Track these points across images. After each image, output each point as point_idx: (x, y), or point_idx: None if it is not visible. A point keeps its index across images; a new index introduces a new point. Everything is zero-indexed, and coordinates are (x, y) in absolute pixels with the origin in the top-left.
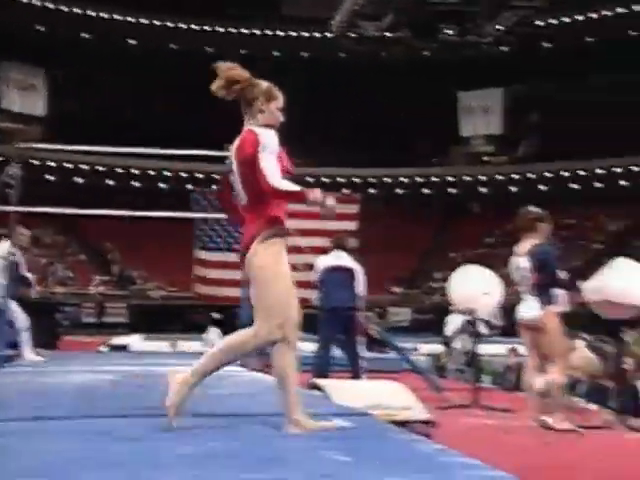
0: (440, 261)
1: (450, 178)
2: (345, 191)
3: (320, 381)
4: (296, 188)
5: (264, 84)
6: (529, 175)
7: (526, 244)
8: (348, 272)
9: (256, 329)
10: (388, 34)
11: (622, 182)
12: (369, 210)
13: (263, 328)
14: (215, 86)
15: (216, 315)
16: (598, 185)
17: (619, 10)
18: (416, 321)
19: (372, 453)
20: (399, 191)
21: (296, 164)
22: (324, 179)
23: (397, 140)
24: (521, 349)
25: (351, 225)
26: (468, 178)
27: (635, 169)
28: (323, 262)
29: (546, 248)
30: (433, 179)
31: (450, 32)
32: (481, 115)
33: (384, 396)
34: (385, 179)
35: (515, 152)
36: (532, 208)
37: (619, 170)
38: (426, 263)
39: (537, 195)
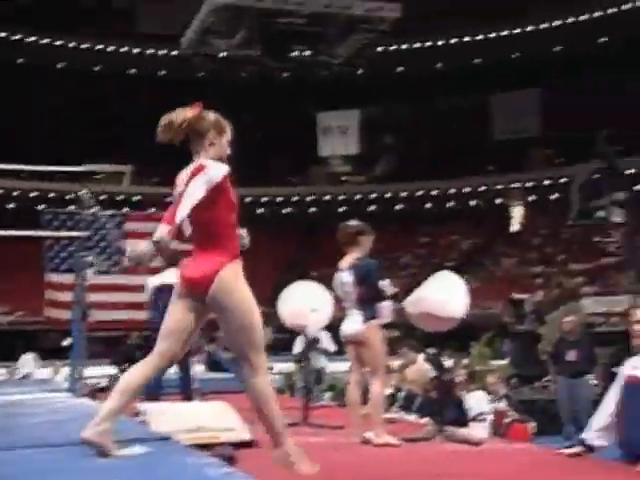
0: (300, 280)
1: (310, 197)
2: None
3: (143, 406)
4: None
5: (212, 115)
6: (386, 195)
7: (348, 258)
8: None
9: (255, 362)
10: (240, 52)
11: (473, 202)
12: None
13: (259, 358)
14: (163, 136)
15: (66, 341)
16: (450, 204)
17: (466, 39)
18: (278, 340)
19: (158, 479)
20: (260, 210)
21: (160, 183)
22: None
23: (256, 159)
24: None
25: None
26: (327, 197)
27: (483, 188)
28: (153, 281)
29: (368, 261)
30: (294, 198)
31: (302, 52)
32: (339, 136)
33: (208, 418)
34: (246, 199)
35: (372, 172)
36: (353, 222)
37: (469, 190)
38: (286, 282)
39: (393, 214)
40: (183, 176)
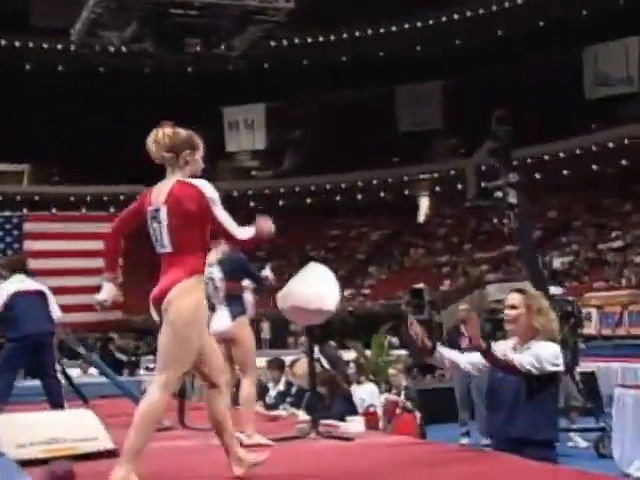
0: None
1: (218, 193)
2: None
3: None
4: (253, 230)
5: (183, 133)
6: (295, 189)
7: (214, 253)
8: (39, 295)
9: (164, 380)
10: (134, 46)
11: (381, 193)
12: None
13: (174, 375)
14: (159, 158)
15: None
16: (360, 197)
17: (370, 31)
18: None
19: None
20: None
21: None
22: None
23: None
24: None
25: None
26: (236, 193)
27: (390, 180)
28: (6, 289)
29: (235, 255)
30: None
31: (197, 45)
32: (245, 130)
33: (65, 428)
34: None
35: (280, 166)
36: None
37: (377, 182)
38: None
39: (303, 208)
40: (158, 195)
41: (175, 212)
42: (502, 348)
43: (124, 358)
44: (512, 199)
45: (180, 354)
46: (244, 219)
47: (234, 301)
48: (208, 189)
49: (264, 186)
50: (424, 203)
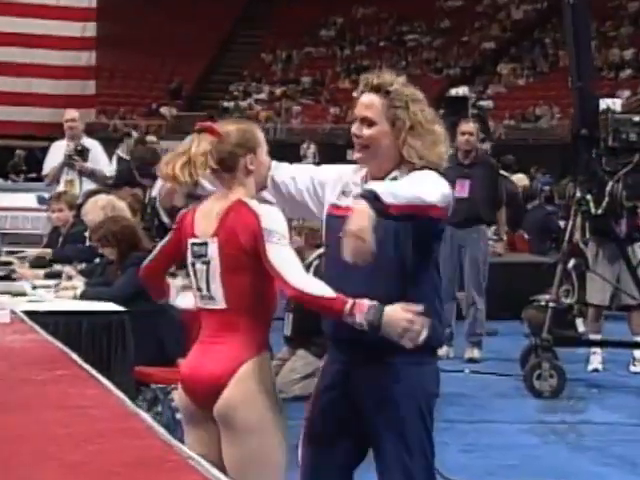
0: None
1: None
2: None
3: None
4: (331, 293)
5: (234, 132)
6: None
7: None
8: None
9: None
10: None
11: None
12: None
13: None
14: (181, 181)
15: None
16: None
17: None
18: None
19: None
20: None
21: None
22: None
23: None
24: None
25: None
26: None
27: None
28: None
29: None
30: None
31: None
32: None
33: None
34: None
35: None
36: None
37: None
38: None
39: None
40: (205, 223)
41: (230, 250)
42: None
43: None
44: None
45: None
46: None
47: None
48: (267, 218)
49: None
50: None
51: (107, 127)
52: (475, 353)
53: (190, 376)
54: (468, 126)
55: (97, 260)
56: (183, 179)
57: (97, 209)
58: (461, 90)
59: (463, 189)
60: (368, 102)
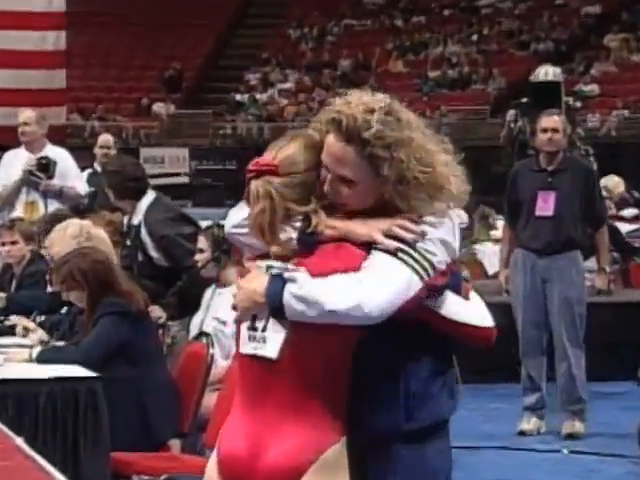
0: None
1: None
2: None
3: None
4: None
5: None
6: None
7: None
8: None
9: None
10: None
11: None
12: None
13: None
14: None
15: None
16: None
17: None
18: None
19: None
20: None
21: None
22: None
23: None
24: None
25: None
26: None
27: None
28: None
29: None
30: None
31: None
32: None
33: None
34: None
35: None
36: None
37: None
38: None
39: None
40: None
41: None
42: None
43: None
44: None
45: None
46: None
47: None
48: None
49: None
50: None
51: (82, 131)
52: (575, 427)
53: (237, 466)
54: (551, 120)
55: (64, 310)
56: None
57: (67, 239)
58: (551, 72)
59: (547, 204)
60: (340, 155)
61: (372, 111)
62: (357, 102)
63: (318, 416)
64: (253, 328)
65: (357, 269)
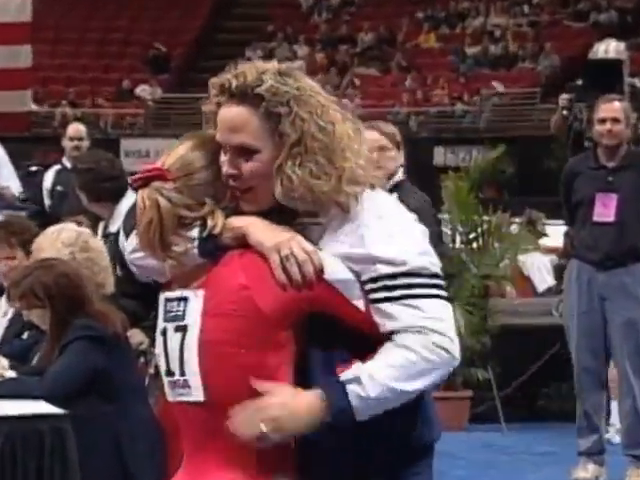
0: None
1: None
2: None
3: None
4: None
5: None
6: None
7: None
8: None
9: None
10: None
11: None
12: None
13: None
14: None
15: None
16: None
17: None
18: None
19: None
20: None
21: None
22: None
23: None
24: None
25: None
26: None
27: None
28: None
29: None
30: None
31: None
32: None
33: None
34: None
35: None
36: None
37: None
38: None
39: None
40: None
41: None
42: None
43: None
44: None
45: None
46: None
47: None
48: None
49: None
50: None
51: (51, 119)
52: None
53: None
54: (611, 107)
55: (25, 335)
56: None
57: (58, 245)
58: (613, 47)
59: (607, 209)
60: (234, 120)
61: (264, 72)
62: (248, 67)
63: (259, 460)
64: (169, 373)
65: (263, 280)
